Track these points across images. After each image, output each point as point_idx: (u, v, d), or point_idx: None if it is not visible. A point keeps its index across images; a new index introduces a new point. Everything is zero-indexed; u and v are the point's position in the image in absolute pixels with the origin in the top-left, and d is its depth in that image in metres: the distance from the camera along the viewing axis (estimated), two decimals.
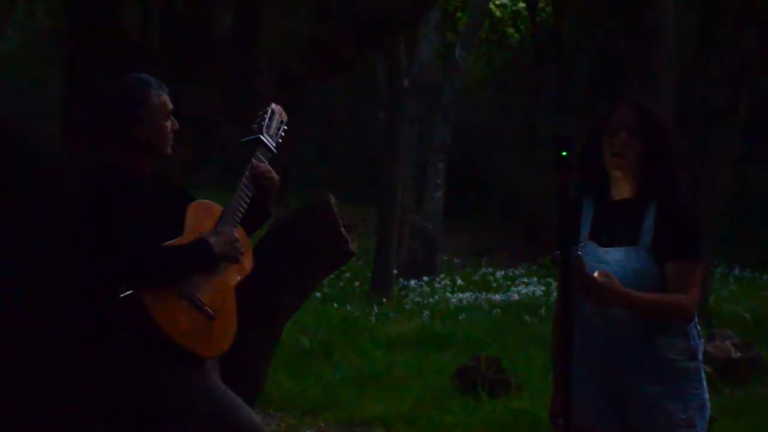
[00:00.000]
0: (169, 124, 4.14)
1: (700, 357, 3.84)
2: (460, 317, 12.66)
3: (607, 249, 3.79)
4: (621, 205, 3.85)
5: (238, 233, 4.13)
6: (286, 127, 4.41)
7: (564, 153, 3.45)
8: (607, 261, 3.76)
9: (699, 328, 3.87)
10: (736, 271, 16.18)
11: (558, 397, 3.88)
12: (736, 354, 8.83)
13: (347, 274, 16.21)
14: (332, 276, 14.47)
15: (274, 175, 4.26)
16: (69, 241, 4.47)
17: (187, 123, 4.35)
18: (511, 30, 27.44)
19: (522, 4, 26.45)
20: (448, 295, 14.87)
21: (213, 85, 5.87)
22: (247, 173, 4.21)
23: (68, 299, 4.61)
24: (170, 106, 4.15)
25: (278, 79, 5.97)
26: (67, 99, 5.85)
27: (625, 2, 11.09)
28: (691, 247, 3.77)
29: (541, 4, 26.32)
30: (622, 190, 3.87)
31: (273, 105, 4.41)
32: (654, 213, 3.77)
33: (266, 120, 4.33)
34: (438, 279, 16.52)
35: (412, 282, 16.22)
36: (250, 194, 4.21)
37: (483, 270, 17.79)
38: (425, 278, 16.49)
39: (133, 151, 4.12)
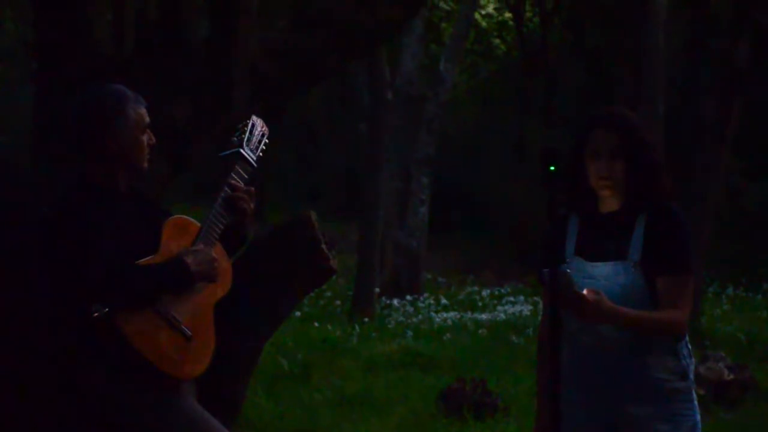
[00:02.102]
0: (145, 138, 4.03)
1: (691, 377, 3.80)
2: (445, 337, 12.63)
3: (594, 264, 3.76)
4: (608, 219, 3.81)
5: (216, 251, 4.03)
6: (267, 141, 4.31)
7: (552, 167, 3.40)
8: (595, 276, 3.73)
9: (690, 347, 3.83)
10: (729, 291, 16.15)
11: (543, 420, 3.83)
12: (729, 376, 8.80)
13: (328, 293, 16.18)
14: (312, 294, 14.36)
15: (248, 204, 4.14)
16: (40, 259, 4.36)
17: (161, 135, 4.25)
18: (497, 41, 27.47)
19: (508, 15, 26.47)
20: (433, 314, 14.88)
21: (187, 96, 5.75)
22: (226, 187, 4.11)
23: (40, 321, 4.56)
24: (147, 119, 4.04)
25: (255, 89, 5.86)
26: (38, 111, 5.78)
27: (616, 14, 11.07)
28: (682, 261, 3.73)
29: (528, 15, 26.33)
30: (609, 203, 3.82)
31: (254, 117, 4.31)
32: (643, 227, 3.73)
33: (247, 133, 4.23)
34: (422, 298, 16.49)
35: (395, 301, 16.17)
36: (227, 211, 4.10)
37: (468, 289, 17.78)
38: (409, 297, 16.45)
39: (108, 166, 3.99)
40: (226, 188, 4.11)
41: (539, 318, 12.41)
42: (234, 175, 4.14)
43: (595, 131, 3.80)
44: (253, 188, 4.18)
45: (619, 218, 3.79)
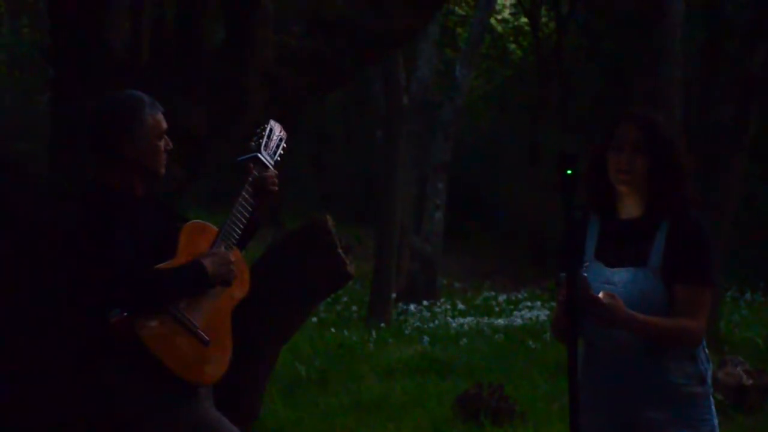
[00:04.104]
0: (162, 144, 4.04)
1: (709, 381, 3.77)
2: (462, 343, 12.59)
3: (614, 269, 3.73)
4: (629, 224, 3.78)
5: (234, 255, 4.04)
6: (285, 145, 4.32)
7: (569, 171, 3.41)
8: (614, 281, 3.71)
9: (707, 351, 3.80)
10: (748, 296, 16.05)
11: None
12: (748, 381, 8.72)
13: (344, 298, 16.13)
14: (329, 300, 14.37)
15: (276, 186, 4.18)
16: (58, 263, 4.47)
17: (177, 140, 4.25)
18: (513, 46, 27.43)
19: (524, 20, 26.43)
20: (449, 319, 14.82)
21: (203, 102, 5.76)
22: (245, 192, 4.11)
23: (58, 323, 4.48)
24: (164, 125, 4.05)
25: (271, 95, 5.86)
26: (55, 117, 5.81)
27: (632, 17, 11.02)
28: (702, 272, 3.70)
29: (544, 20, 26.28)
30: (629, 208, 3.80)
31: (272, 122, 4.33)
32: (665, 234, 3.70)
33: (264, 137, 4.24)
34: (438, 303, 16.42)
35: (412, 306, 16.12)
36: (247, 214, 4.11)
37: (485, 294, 17.72)
38: (425, 302, 16.39)
39: (125, 171, 4.01)
40: (245, 193, 4.12)
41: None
42: (252, 180, 4.15)
43: (620, 125, 3.78)
44: (276, 172, 4.20)
45: (641, 224, 3.76)
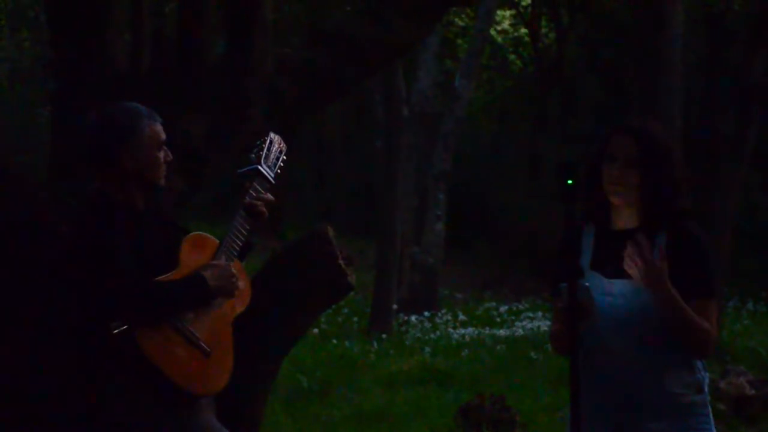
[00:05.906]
0: (161, 155, 4.04)
1: (707, 390, 3.76)
2: (463, 354, 12.61)
3: (612, 280, 3.69)
4: (625, 235, 3.72)
5: (235, 267, 4.04)
6: (285, 157, 4.32)
7: (569, 181, 3.39)
8: (613, 293, 3.68)
9: (704, 360, 3.78)
10: (750, 305, 16.03)
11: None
12: (750, 391, 8.72)
13: (345, 310, 16.13)
14: (330, 311, 14.36)
15: (265, 209, 4.15)
16: (59, 276, 4.46)
17: (177, 152, 4.26)
18: (512, 57, 27.46)
19: (524, 30, 26.46)
20: (450, 330, 14.85)
21: (204, 114, 5.76)
22: (244, 204, 4.11)
23: (59, 336, 4.49)
24: (163, 136, 4.05)
25: (272, 106, 5.86)
26: (56, 130, 5.81)
27: (632, 28, 11.05)
28: (706, 284, 3.69)
29: (543, 30, 26.31)
30: (625, 218, 3.77)
31: (271, 134, 4.32)
32: (663, 246, 3.66)
33: (265, 149, 4.24)
34: (439, 314, 16.40)
35: (413, 317, 16.11)
36: (248, 225, 4.11)
37: (486, 304, 17.70)
38: (426, 313, 16.37)
39: (124, 183, 4.01)
40: (250, 194, 4.12)
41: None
42: (252, 192, 4.16)
43: (614, 137, 3.76)
44: (272, 197, 4.19)
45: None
